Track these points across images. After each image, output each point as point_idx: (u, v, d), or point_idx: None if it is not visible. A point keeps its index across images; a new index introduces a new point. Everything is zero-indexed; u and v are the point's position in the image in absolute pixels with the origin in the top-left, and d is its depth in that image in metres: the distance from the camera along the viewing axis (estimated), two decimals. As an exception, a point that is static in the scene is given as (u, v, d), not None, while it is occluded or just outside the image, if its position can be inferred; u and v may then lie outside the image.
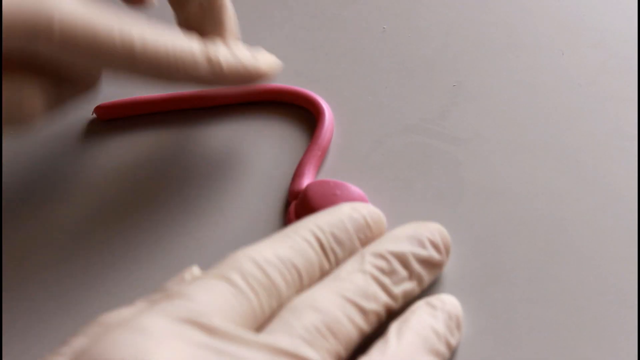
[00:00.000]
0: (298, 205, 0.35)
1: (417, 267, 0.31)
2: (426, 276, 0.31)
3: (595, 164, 0.37)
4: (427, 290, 0.32)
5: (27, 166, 0.38)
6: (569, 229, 0.35)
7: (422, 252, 0.31)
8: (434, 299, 0.31)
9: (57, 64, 0.32)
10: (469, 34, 0.43)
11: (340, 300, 0.28)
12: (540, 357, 0.31)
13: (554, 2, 0.44)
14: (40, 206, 0.37)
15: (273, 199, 0.37)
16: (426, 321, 0.29)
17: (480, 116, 0.39)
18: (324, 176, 0.37)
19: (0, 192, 0.37)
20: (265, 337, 0.26)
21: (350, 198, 0.35)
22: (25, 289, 0.33)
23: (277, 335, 0.26)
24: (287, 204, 0.36)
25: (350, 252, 0.31)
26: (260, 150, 0.38)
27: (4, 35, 0.29)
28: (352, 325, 0.28)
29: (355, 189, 0.35)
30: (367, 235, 0.32)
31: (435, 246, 0.32)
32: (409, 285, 0.30)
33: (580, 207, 0.35)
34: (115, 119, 0.40)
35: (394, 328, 0.28)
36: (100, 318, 0.27)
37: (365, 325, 0.28)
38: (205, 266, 0.34)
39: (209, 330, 0.25)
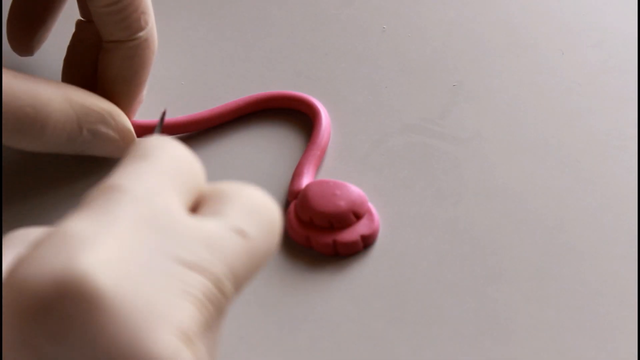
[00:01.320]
0: (297, 205, 0.35)
1: None
2: None
3: (595, 164, 0.37)
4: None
5: (32, 174, 0.38)
6: (569, 229, 0.35)
7: None
8: None
9: None
10: (469, 34, 0.43)
11: None
12: (540, 357, 0.31)
13: (554, 2, 0.44)
14: (46, 214, 0.37)
15: (273, 198, 0.36)
16: None
17: (480, 116, 0.39)
18: (323, 176, 0.37)
19: (1, 195, 0.37)
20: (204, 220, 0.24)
21: (350, 198, 0.35)
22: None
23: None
24: (286, 204, 0.36)
25: None
26: (259, 151, 0.38)
27: None
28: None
29: (355, 188, 0.35)
30: None
31: None
32: None
33: (580, 207, 0.35)
34: None
35: None
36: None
37: None
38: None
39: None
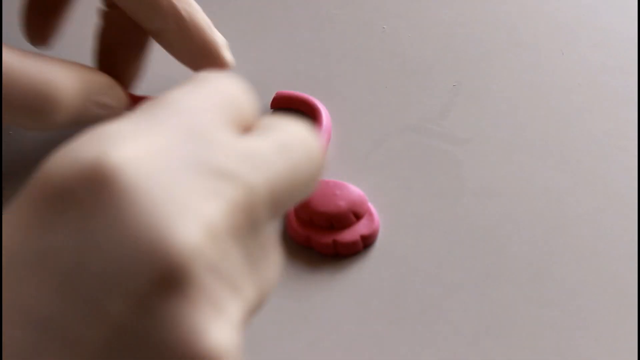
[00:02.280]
0: (298, 205, 0.35)
1: None
2: None
3: (595, 164, 0.37)
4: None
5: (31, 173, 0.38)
6: (569, 229, 0.35)
7: None
8: None
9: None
10: (469, 34, 0.43)
11: None
12: (540, 357, 0.31)
13: (554, 2, 0.44)
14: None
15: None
16: None
17: (480, 116, 0.39)
18: (323, 176, 0.37)
19: (1, 195, 0.37)
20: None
21: (350, 198, 0.35)
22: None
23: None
24: (287, 204, 0.36)
25: None
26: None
27: None
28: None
29: (355, 188, 0.35)
30: None
31: None
32: None
33: (580, 207, 0.35)
34: None
35: None
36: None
37: None
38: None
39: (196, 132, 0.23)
